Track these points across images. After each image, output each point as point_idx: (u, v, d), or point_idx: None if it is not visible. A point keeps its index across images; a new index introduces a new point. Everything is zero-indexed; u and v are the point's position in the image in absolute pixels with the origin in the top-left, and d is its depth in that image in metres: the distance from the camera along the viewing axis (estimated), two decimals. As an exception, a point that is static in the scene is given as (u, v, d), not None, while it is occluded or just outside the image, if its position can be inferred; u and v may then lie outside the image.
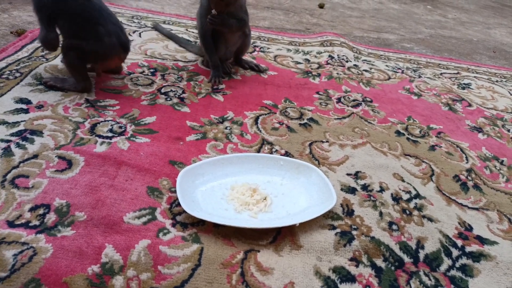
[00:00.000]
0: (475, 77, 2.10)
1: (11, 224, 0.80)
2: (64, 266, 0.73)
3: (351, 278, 0.81)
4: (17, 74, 1.34)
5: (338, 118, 1.43)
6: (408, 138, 1.37)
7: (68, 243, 0.78)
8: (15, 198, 0.87)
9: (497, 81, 2.10)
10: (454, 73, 2.10)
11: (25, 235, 0.78)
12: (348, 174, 1.12)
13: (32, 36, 1.61)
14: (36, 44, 1.57)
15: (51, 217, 0.83)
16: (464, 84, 1.97)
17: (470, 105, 1.74)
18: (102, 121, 1.18)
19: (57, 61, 1.47)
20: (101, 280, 0.72)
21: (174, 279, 0.74)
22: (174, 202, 0.93)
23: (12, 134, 1.06)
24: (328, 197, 0.95)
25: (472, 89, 1.93)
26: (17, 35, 1.65)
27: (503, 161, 1.34)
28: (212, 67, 1.56)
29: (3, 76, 1.32)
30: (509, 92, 1.97)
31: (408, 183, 1.12)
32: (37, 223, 0.82)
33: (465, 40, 2.87)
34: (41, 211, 0.84)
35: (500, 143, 1.46)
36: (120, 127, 1.16)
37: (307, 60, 1.91)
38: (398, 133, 1.40)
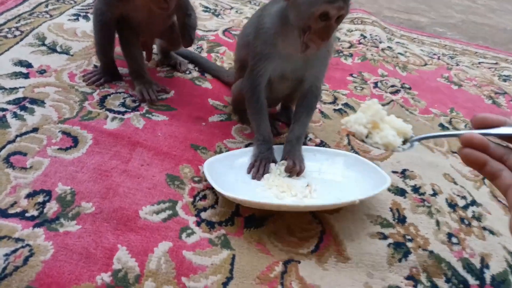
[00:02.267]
0: (515, 68, 1.93)
1: (3, 213, 0.66)
2: (67, 272, 0.59)
3: (409, 302, 0.68)
4: (17, 33, 1.17)
5: (376, 106, 1.27)
6: (453, 133, 1.22)
7: (73, 241, 0.64)
8: (10, 180, 0.72)
9: (538, 75, 1.93)
10: (493, 63, 1.93)
11: (20, 228, 0.64)
12: (394, 172, 0.97)
13: (34, -10, 1.43)
14: (40, -1, 1.39)
15: (53, 207, 0.69)
16: (504, 76, 1.80)
17: (513, 99, 1.58)
18: (113, 93, 1.02)
19: (62, 18, 1.30)
20: (113, 292, 0.58)
21: (201, 296, 0.61)
22: (198, 195, 0.79)
23: (8, 102, 0.91)
24: (379, 179, 0.81)
25: (513, 81, 1.76)
26: (18, -12, 1.47)
27: (558, 165, 1.19)
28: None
29: (1, 34, 1.15)
30: (553, 88, 1.81)
31: (461, 186, 0.98)
32: (35, 213, 0.67)
33: (499, 28, 2.68)
34: (40, 198, 0.70)
35: (552, 145, 1.31)
36: (134, 101, 1.01)
37: (337, 38, 1.73)
38: (442, 126, 1.25)
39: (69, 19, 1.31)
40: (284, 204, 0.74)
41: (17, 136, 0.82)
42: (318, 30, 0.74)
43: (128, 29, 1.01)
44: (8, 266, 0.58)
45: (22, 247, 0.61)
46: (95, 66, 1.10)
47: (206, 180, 0.81)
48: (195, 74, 1.21)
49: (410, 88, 1.44)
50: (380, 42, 1.78)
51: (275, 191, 0.79)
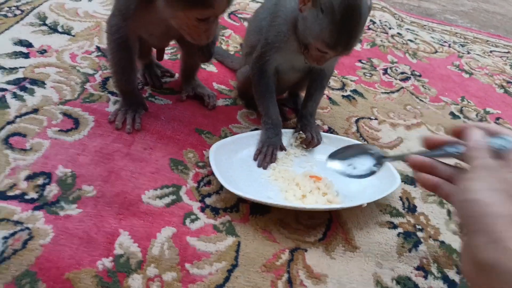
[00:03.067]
0: (527, 58, 1.88)
1: (2, 195, 0.64)
2: (67, 257, 0.57)
3: (419, 293, 0.65)
4: (18, 12, 1.14)
5: (385, 92, 1.23)
6: (464, 122, 1.19)
7: (73, 225, 0.62)
8: (9, 161, 0.70)
9: (551, 64, 1.88)
10: (504, 52, 1.88)
11: (19, 211, 0.62)
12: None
13: (36, -31, 1.39)
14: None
15: (53, 190, 0.67)
16: (516, 65, 1.76)
17: (526, 89, 1.54)
18: (115, 75, 0.99)
19: (65, -1, 1.26)
20: (114, 278, 0.56)
21: (205, 283, 0.59)
22: (202, 180, 0.76)
23: (8, 82, 0.88)
24: (388, 176, 0.79)
25: (526, 71, 1.72)
26: (19, -34, 1.43)
27: None
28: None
29: (1, 13, 1.12)
30: None
31: (472, 176, 0.95)
32: (35, 196, 0.65)
33: (511, 17, 2.61)
34: (40, 180, 0.68)
35: None
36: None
37: (346, 24, 1.69)
38: (453, 115, 1.22)
39: (71, -1, 1.27)
40: (287, 205, 0.71)
41: (16, 117, 0.80)
42: (315, 55, 0.75)
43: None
44: (7, 249, 0.56)
45: (21, 230, 0.59)
46: (98, 48, 1.07)
47: (210, 166, 0.79)
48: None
49: (420, 76, 1.41)
50: (390, 28, 1.74)
51: (280, 183, 0.77)
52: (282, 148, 0.86)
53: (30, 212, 0.62)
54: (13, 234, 0.58)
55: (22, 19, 1.11)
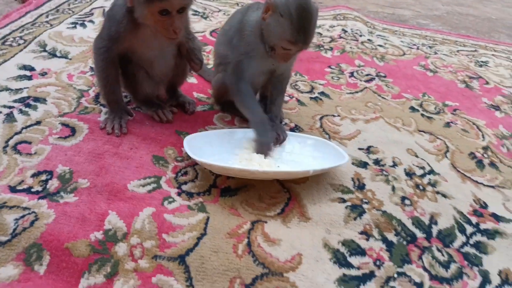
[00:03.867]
0: (493, 55, 2.01)
1: (13, 189, 0.79)
2: (66, 232, 0.71)
3: (361, 252, 0.78)
4: (21, 41, 1.31)
5: (350, 93, 1.38)
6: (422, 114, 1.32)
7: (71, 209, 0.76)
8: (17, 163, 0.85)
9: (516, 59, 2.01)
10: (471, 51, 2.02)
11: (27, 200, 0.76)
12: (359, 149, 1.08)
13: (36, 3, 1.57)
14: (41, 10, 1.53)
15: (54, 183, 0.81)
16: (481, 61, 1.89)
17: (487, 83, 1.67)
18: (107, 90, 1.14)
19: (62, 27, 1.43)
20: (104, 246, 0.70)
21: (179, 248, 0.72)
22: (180, 171, 0.91)
23: (15, 101, 1.03)
24: (340, 157, 0.93)
25: (489, 67, 1.85)
26: (21, 1, 1.61)
27: (521, 139, 1.29)
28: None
29: (7, 43, 1.29)
30: (529, 71, 1.89)
31: (422, 159, 1.08)
32: (40, 189, 0.80)
33: (484, 18, 2.76)
34: (43, 177, 0.82)
35: (518, 122, 1.40)
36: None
37: (319, 34, 1.85)
38: (412, 109, 1.35)
39: (67, 27, 1.44)
40: (245, 169, 0.85)
41: (23, 128, 0.95)
42: (281, 54, 0.92)
43: (134, 65, 1.00)
44: (18, 227, 0.70)
45: (29, 213, 0.73)
46: (91, 68, 1.23)
47: (188, 159, 0.93)
48: (182, 71, 1.33)
49: (385, 76, 1.55)
50: (361, 36, 1.89)
51: (244, 163, 0.90)
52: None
53: (36, 201, 0.77)
54: (22, 217, 0.72)
55: (25, 47, 1.28)
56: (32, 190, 0.79)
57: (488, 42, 2.20)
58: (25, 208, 0.74)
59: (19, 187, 0.79)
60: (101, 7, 1.67)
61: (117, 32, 0.92)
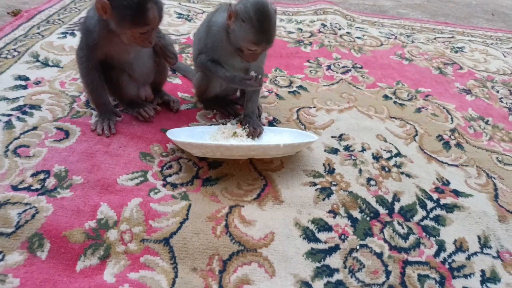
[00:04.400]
0: (469, 40, 2.09)
1: (15, 188, 0.88)
2: (63, 222, 0.80)
3: (328, 228, 0.87)
4: (15, 53, 1.40)
5: (327, 85, 1.46)
6: (395, 102, 1.41)
7: (67, 203, 0.85)
8: (18, 165, 0.94)
9: (492, 44, 2.09)
10: (448, 37, 2.10)
11: (27, 197, 0.86)
12: (332, 137, 1.17)
13: (28, 16, 1.65)
14: (32, 22, 1.61)
15: (51, 181, 0.90)
16: (457, 47, 1.97)
17: (461, 68, 1.75)
18: (97, 94, 1.23)
19: (52, 37, 1.52)
20: (97, 233, 0.80)
21: (163, 232, 0.82)
22: (165, 165, 1.00)
23: (12, 109, 1.12)
24: (310, 138, 1.03)
25: (465, 52, 1.93)
26: (13, 15, 1.70)
27: (488, 120, 1.37)
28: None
29: (2, 56, 1.38)
30: (503, 54, 1.97)
31: (390, 143, 1.17)
32: (38, 186, 0.89)
33: (464, 3, 2.83)
34: (41, 176, 0.92)
35: (487, 104, 1.48)
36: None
37: (300, 30, 1.93)
38: (385, 97, 1.44)
39: (58, 37, 1.53)
40: (222, 144, 0.94)
41: (21, 133, 1.04)
42: (248, 54, 1.02)
43: (116, 70, 1.08)
44: (21, 220, 0.80)
45: (30, 208, 0.83)
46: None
47: (173, 154, 1.02)
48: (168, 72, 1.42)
49: (361, 67, 1.63)
50: (339, 29, 1.97)
51: (221, 136, 1.03)
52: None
53: (36, 197, 0.86)
54: (24, 211, 0.82)
55: (19, 58, 1.37)
56: (32, 188, 0.88)
57: (466, 28, 2.28)
58: (26, 204, 0.84)
59: (20, 186, 0.89)
60: (90, 15, 1.76)
61: (93, 40, 1.01)
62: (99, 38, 1.00)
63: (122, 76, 1.10)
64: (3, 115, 1.09)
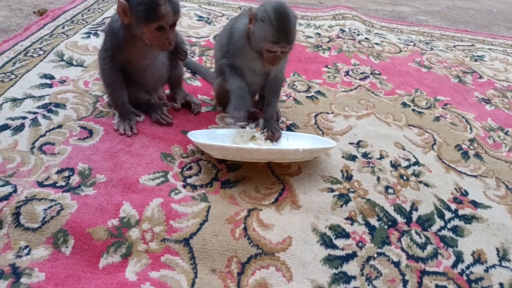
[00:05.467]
0: (489, 49, 2.07)
1: (40, 184, 0.91)
2: (87, 220, 0.83)
3: (345, 235, 0.88)
4: (41, 52, 1.44)
5: (345, 91, 1.47)
6: (413, 109, 1.41)
7: (91, 200, 0.87)
8: (43, 162, 0.97)
9: (512, 53, 2.06)
10: (468, 45, 2.08)
11: (53, 193, 0.88)
12: (350, 143, 1.17)
13: (53, 15, 1.70)
14: (57, 22, 1.66)
15: (75, 179, 0.93)
16: (477, 56, 1.96)
17: (481, 77, 1.74)
18: (119, 95, 1.26)
19: (77, 37, 1.56)
20: (120, 231, 0.82)
21: (184, 232, 0.83)
22: (185, 167, 1.01)
23: (38, 107, 1.16)
24: (328, 144, 1.04)
25: (485, 61, 1.91)
26: (39, 14, 1.74)
27: (508, 131, 1.36)
28: None
29: (28, 54, 1.42)
30: (524, 64, 1.94)
31: (408, 151, 1.17)
32: (63, 183, 0.91)
33: (484, 11, 2.80)
34: (66, 173, 0.94)
35: (507, 114, 1.47)
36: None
37: (318, 34, 1.94)
38: (404, 104, 1.43)
39: (82, 37, 1.56)
40: (242, 147, 0.96)
41: (46, 131, 1.07)
42: (268, 57, 1.02)
43: (132, 71, 1.12)
44: (46, 216, 0.82)
45: (55, 204, 0.85)
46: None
47: (192, 155, 1.04)
48: (188, 75, 1.44)
49: (380, 74, 1.63)
50: (358, 35, 1.97)
51: (239, 140, 1.05)
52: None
53: (60, 194, 0.88)
54: (50, 207, 0.84)
55: (45, 57, 1.40)
56: (57, 185, 0.91)
57: (486, 36, 2.26)
58: (51, 200, 0.86)
59: (46, 183, 0.91)
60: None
61: (118, 42, 1.05)
62: (123, 40, 1.04)
63: (135, 82, 1.14)
64: (30, 112, 1.13)
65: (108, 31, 1.08)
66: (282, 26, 0.96)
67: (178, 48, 1.15)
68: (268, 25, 0.96)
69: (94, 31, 1.63)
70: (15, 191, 0.86)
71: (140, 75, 1.14)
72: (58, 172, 0.95)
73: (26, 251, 0.77)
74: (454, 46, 2.04)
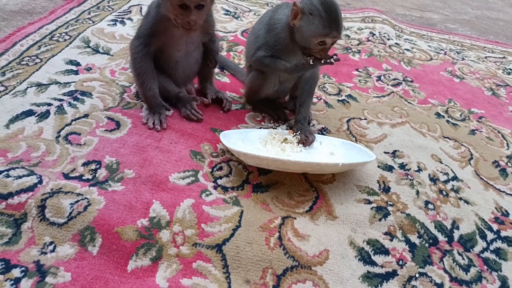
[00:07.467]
0: (522, 62, 2.00)
1: (66, 176, 0.86)
2: (115, 218, 0.78)
3: (385, 251, 0.83)
4: (67, 37, 1.39)
5: (377, 96, 1.41)
6: (448, 121, 1.35)
7: (119, 197, 0.83)
8: (69, 153, 0.93)
9: (546, 67, 1.99)
10: (499, 57, 2.01)
11: (79, 187, 0.84)
12: (385, 152, 1.12)
13: (78, 0, 1.65)
14: (83, 7, 1.61)
15: (102, 173, 0.89)
16: (510, 69, 1.89)
17: (515, 91, 1.67)
18: (146, 86, 1.21)
19: (103, 24, 1.51)
20: (150, 232, 0.77)
21: (216, 237, 0.78)
22: (216, 166, 0.97)
23: (64, 94, 1.11)
24: (367, 157, 0.98)
25: (518, 74, 1.85)
26: (65, -2, 1.70)
27: (546, 150, 1.30)
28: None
29: (54, 38, 1.37)
30: (558, 80, 1.88)
31: (446, 165, 1.12)
32: (90, 177, 0.87)
33: (514, 23, 2.72)
34: (93, 166, 0.90)
35: (544, 132, 1.41)
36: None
37: (347, 36, 1.88)
38: (438, 115, 1.38)
39: (108, 24, 1.52)
40: (278, 158, 0.92)
41: (72, 120, 1.02)
42: (317, 50, 0.99)
43: (162, 66, 1.10)
44: (73, 211, 0.78)
45: (82, 199, 0.81)
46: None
47: (222, 155, 1.00)
48: (216, 70, 1.39)
49: (412, 81, 1.57)
50: (388, 39, 1.91)
51: (273, 145, 1.00)
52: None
53: (87, 188, 0.84)
54: (76, 202, 0.80)
55: (70, 43, 1.36)
56: (83, 178, 0.87)
57: (518, 49, 2.18)
58: (78, 194, 0.82)
59: (71, 175, 0.87)
60: (138, 4, 1.75)
61: (152, 27, 1.02)
62: (157, 27, 1.01)
63: (166, 74, 1.11)
64: (55, 99, 1.08)
65: (145, 17, 1.06)
66: (332, 17, 0.94)
67: (211, 55, 1.14)
68: (318, 18, 0.94)
69: (121, 19, 1.58)
70: (40, 182, 0.82)
71: (172, 66, 1.10)
72: (85, 164, 0.90)
73: (51, 247, 0.72)
74: (486, 57, 1.97)
